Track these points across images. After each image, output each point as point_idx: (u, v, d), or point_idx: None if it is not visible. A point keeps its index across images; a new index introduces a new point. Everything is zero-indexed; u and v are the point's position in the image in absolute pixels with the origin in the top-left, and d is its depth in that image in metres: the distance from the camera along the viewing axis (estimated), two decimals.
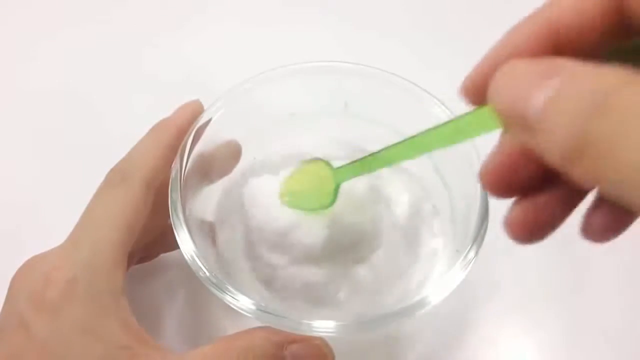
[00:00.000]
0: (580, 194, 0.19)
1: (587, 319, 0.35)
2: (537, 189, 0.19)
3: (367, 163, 0.26)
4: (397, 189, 0.32)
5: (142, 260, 0.34)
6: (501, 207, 0.20)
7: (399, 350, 0.34)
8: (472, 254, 0.27)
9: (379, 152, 0.25)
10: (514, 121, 0.15)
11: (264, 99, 0.32)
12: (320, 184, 0.29)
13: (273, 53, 0.45)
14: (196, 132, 0.30)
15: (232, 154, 0.33)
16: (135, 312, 0.27)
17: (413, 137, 0.22)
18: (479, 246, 0.27)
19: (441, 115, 0.30)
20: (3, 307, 0.27)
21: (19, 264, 0.28)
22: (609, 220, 0.18)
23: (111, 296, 0.26)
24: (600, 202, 0.18)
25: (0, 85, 0.45)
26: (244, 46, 0.47)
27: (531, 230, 0.19)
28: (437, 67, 0.45)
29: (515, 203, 0.19)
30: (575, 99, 0.14)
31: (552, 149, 0.14)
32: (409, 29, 0.48)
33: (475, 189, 0.28)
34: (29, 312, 0.25)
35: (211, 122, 0.30)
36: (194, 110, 0.31)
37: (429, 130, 0.21)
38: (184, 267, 0.27)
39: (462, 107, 0.20)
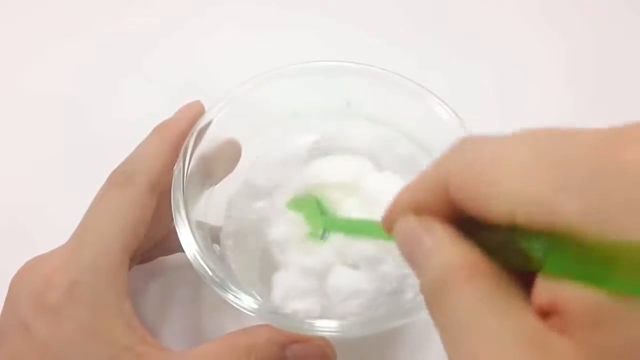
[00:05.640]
0: None
1: None
2: None
3: (352, 226, 0.28)
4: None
5: (142, 261, 0.34)
6: None
7: (401, 350, 0.34)
8: None
9: (365, 221, 0.27)
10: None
11: (265, 99, 0.32)
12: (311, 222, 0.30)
13: (274, 53, 0.45)
14: (198, 132, 0.30)
15: (233, 154, 0.33)
16: (135, 312, 0.27)
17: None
18: None
19: (443, 114, 0.30)
20: (3, 309, 0.27)
21: (19, 263, 0.28)
22: None
23: (114, 298, 0.26)
24: None
25: (6, 87, 0.45)
26: (244, 47, 0.47)
27: None
28: (436, 65, 0.45)
29: None
30: (428, 276, 0.17)
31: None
32: (408, 29, 0.49)
33: None
34: (30, 314, 0.25)
35: (213, 122, 0.31)
36: (196, 111, 0.31)
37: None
38: (185, 266, 0.27)
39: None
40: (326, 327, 0.25)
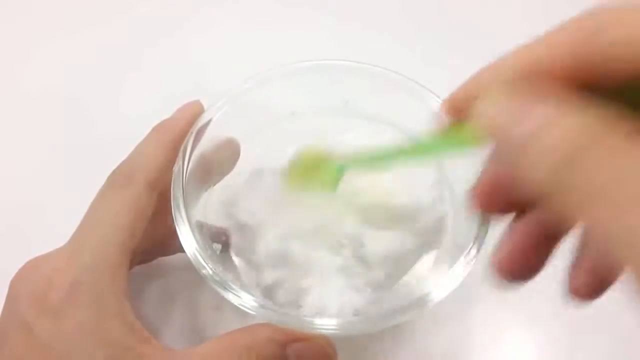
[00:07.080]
0: (555, 237, 0.20)
1: (590, 317, 0.35)
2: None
3: (374, 159, 0.27)
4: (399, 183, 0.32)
5: (142, 261, 0.34)
6: None
7: (400, 348, 0.34)
8: (474, 251, 0.27)
9: (386, 151, 0.25)
10: (499, 143, 0.17)
11: (264, 98, 0.32)
12: (321, 168, 0.29)
13: (272, 53, 0.45)
14: (197, 132, 0.30)
15: (232, 153, 0.33)
16: (135, 312, 0.27)
17: (417, 143, 0.24)
18: (482, 244, 0.27)
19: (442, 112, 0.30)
20: (3, 310, 0.27)
21: (18, 264, 0.28)
22: (589, 279, 0.19)
23: (114, 298, 0.26)
24: (579, 260, 0.20)
25: (5, 87, 0.45)
26: (243, 46, 0.47)
27: (514, 271, 0.20)
28: (436, 64, 0.45)
29: (499, 245, 0.21)
30: (553, 144, 0.15)
31: (530, 180, 0.15)
32: (407, 28, 0.49)
33: None
34: (31, 315, 0.25)
35: (212, 122, 0.31)
36: (195, 111, 0.31)
37: (426, 140, 0.23)
38: (185, 266, 0.27)
39: None
40: (327, 324, 0.25)
